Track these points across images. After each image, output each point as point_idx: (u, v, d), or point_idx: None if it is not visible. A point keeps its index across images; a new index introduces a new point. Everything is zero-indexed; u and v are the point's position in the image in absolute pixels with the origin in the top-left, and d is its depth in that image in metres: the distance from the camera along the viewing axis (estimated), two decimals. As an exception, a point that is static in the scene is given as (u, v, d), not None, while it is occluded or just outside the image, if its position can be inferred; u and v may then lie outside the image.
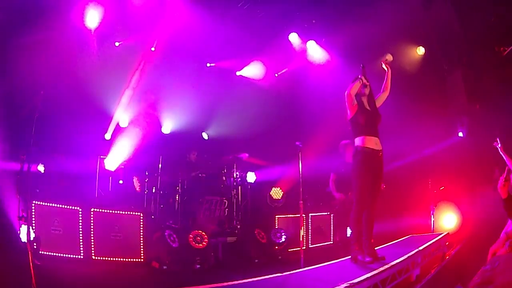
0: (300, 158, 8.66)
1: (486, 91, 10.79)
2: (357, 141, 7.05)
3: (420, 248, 7.32)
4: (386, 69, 7.52)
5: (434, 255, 8.10)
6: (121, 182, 11.35)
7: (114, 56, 12.12)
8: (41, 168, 9.79)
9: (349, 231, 9.63)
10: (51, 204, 8.55)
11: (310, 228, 11.75)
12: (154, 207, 11.04)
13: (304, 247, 10.75)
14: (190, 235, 9.60)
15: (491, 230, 8.81)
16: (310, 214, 11.75)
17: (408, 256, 6.79)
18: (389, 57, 12.73)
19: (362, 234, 6.93)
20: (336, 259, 7.58)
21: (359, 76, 7.24)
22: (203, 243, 9.62)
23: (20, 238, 7.61)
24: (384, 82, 7.50)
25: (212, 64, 14.20)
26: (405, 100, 11.71)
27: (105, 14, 11.12)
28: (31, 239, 7.52)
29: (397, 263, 6.45)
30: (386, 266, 6.24)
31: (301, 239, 8.89)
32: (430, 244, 7.85)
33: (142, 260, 9.22)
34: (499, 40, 10.46)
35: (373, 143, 6.99)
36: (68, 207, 8.72)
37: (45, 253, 8.15)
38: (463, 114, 11.67)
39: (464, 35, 10.95)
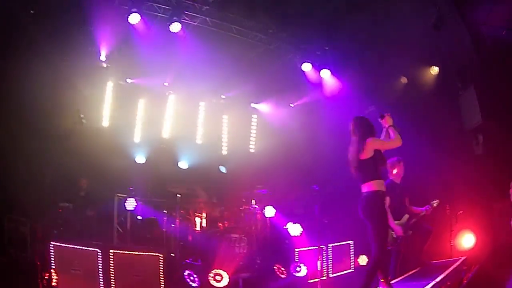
0: (317, 202, 8.61)
1: (501, 107, 10.62)
2: (373, 185, 6.69)
3: (437, 280, 7.12)
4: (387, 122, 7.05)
5: (451, 282, 7.92)
6: (139, 218, 11.30)
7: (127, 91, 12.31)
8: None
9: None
10: (69, 246, 8.45)
11: (331, 258, 11.60)
12: (174, 244, 10.95)
13: (325, 277, 10.73)
14: (210, 274, 9.53)
15: (510, 248, 8.70)
16: (329, 245, 11.60)
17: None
18: (404, 80, 12.89)
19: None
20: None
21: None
22: (223, 282, 9.53)
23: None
24: (392, 134, 6.98)
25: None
26: (419, 120, 11.71)
27: (116, 51, 11.33)
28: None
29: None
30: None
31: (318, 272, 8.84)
32: (448, 274, 7.63)
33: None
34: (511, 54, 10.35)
35: (383, 186, 6.79)
36: (86, 248, 8.64)
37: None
38: (478, 131, 11.50)
39: (477, 51, 10.84)
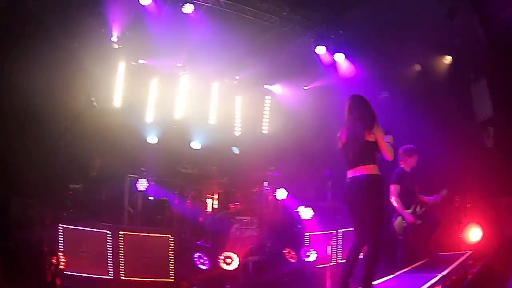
0: (330, 188, 8.54)
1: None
2: (372, 168, 6.44)
3: (443, 273, 7.03)
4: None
5: (456, 277, 7.86)
6: (151, 198, 11.35)
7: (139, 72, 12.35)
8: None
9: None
10: (78, 228, 8.54)
11: (340, 244, 11.55)
12: (184, 225, 10.98)
13: (334, 263, 10.71)
14: (220, 257, 9.55)
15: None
16: (339, 230, 11.54)
17: (430, 284, 6.51)
18: (417, 67, 12.74)
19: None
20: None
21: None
22: (233, 264, 9.55)
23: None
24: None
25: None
26: (431, 109, 11.62)
27: (128, 32, 11.29)
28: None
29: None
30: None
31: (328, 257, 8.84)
32: (453, 268, 7.55)
33: (172, 280, 9.12)
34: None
35: (379, 171, 6.53)
36: (96, 230, 8.72)
37: (73, 274, 8.15)
38: (489, 124, 11.34)
39: (489, 43, 10.65)
